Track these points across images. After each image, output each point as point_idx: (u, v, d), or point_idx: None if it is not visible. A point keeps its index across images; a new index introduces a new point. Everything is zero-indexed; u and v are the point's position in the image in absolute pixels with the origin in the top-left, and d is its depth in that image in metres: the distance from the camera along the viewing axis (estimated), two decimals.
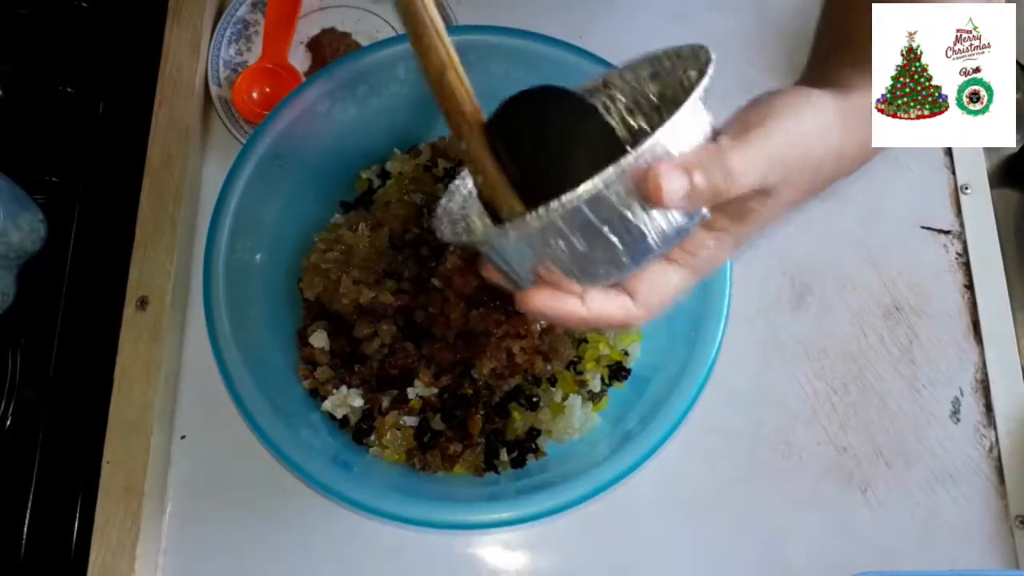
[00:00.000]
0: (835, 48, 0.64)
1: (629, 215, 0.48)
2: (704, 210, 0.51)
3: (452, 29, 0.91)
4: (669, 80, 0.57)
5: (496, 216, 0.54)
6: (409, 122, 0.88)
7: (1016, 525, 0.84)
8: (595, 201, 0.47)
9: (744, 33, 1.02)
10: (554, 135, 0.52)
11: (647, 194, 0.47)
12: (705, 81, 0.49)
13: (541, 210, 0.47)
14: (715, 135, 0.51)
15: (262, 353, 0.75)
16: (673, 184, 0.47)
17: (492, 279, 0.56)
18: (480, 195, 0.55)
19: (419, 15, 0.51)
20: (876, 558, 0.83)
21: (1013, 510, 0.84)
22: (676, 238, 0.51)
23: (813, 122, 0.53)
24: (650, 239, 0.50)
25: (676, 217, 0.50)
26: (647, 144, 0.46)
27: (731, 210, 0.53)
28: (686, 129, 0.49)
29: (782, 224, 0.92)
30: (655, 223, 0.49)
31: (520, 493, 0.72)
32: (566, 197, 0.46)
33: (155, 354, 0.81)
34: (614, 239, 0.49)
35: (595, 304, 0.53)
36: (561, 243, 0.49)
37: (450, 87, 0.52)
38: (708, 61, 0.51)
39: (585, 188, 0.46)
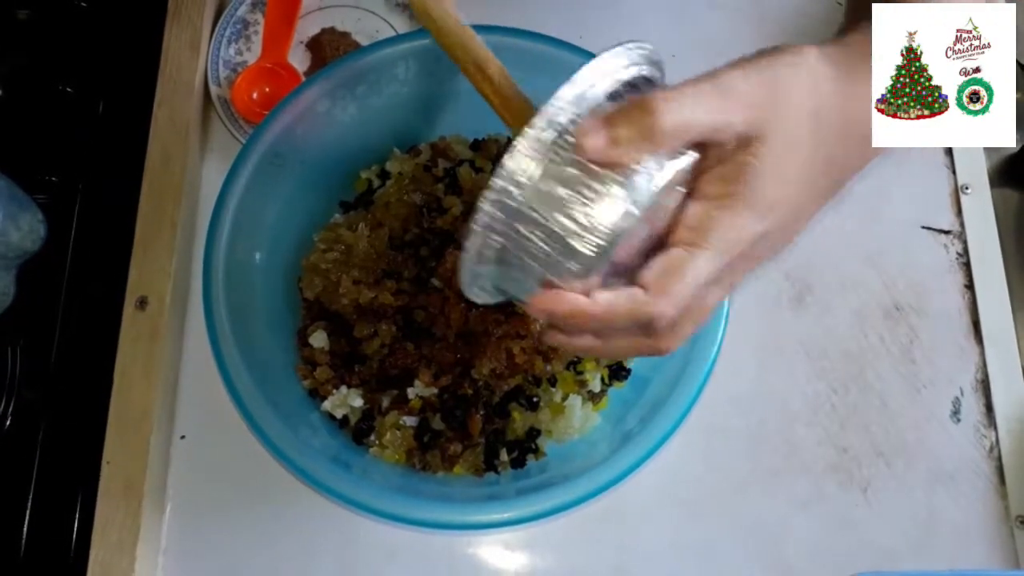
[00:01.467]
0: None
1: (582, 175, 0.49)
2: (677, 161, 0.51)
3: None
4: None
5: None
6: (409, 122, 0.88)
7: (1016, 525, 0.84)
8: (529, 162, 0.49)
9: (744, 32, 1.01)
10: None
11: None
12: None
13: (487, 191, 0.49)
14: None
15: (261, 353, 0.75)
16: (589, 136, 0.48)
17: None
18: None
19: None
20: (876, 558, 0.83)
21: (1013, 510, 0.84)
22: (648, 192, 0.50)
23: (789, 67, 0.52)
24: (617, 194, 0.49)
25: (642, 168, 0.49)
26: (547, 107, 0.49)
27: (721, 172, 0.51)
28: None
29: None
30: (614, 181, 0.49)
31: (520, 493, 0.72)
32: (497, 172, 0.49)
33: (155, 354, 0.81)
34: (578, 200, 0.49)
35: (602, 297, 0.51)
36: (532, 228, 0.50)
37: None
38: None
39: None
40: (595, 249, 0.50)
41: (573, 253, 0.50)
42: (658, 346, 0.54)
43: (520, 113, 0.60)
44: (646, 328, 0.52)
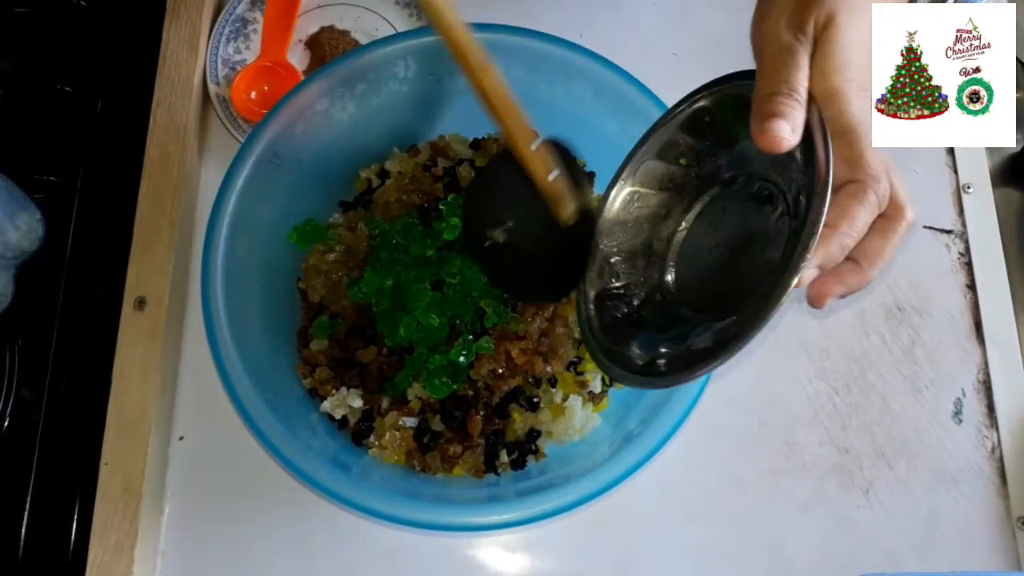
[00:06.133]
0: None
1: None
2: None
3: None
4: None
5: None
6: (408, 121, 0.87)
7: (1018, 526, 0.83)
8: None
9: (745, 31, 1.01)
10: None
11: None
12: None
13: None
14: None
15: (260, 354, 0.75)
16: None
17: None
18: None
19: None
20: (878, 559, 0.83)
21: (1015, 511, 0.84)
22: None
23: None
24: None
25: None
26: None
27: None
28: None
29: None
30: None
31: (520, 495, 0.72)
32: None
33: (153, 355, 0.81)
34: None
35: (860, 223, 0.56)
36: None
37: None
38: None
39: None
40: None
41: None
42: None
43: (516, 123, 0.65)
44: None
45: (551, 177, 0.67)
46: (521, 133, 0.65)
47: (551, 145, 0.67)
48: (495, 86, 0.62)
